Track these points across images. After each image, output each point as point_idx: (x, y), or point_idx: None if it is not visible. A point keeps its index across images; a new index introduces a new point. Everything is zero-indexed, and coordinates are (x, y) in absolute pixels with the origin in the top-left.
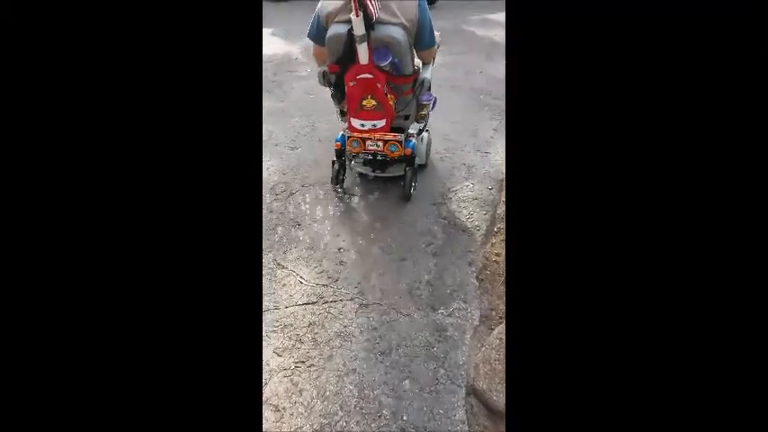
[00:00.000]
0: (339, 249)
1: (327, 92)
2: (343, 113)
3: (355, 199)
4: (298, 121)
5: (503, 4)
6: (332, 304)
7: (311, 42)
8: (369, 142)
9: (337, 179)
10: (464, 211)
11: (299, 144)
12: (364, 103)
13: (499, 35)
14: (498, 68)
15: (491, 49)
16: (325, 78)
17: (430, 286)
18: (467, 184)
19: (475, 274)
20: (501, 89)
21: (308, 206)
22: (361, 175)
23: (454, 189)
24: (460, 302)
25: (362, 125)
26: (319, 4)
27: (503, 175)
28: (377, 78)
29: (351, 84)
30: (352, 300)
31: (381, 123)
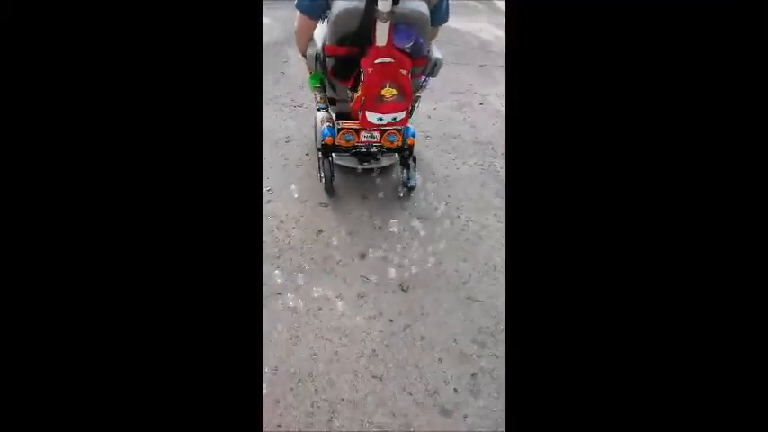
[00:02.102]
0: None
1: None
2: (332, 102)
3: None
4: None
5: None
6: None
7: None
8: (363, 133)
9: (330, 182)
10: None
11: None
12: (383, 93)
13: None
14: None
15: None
16: (318, 63)
17: None
18: None
19: None
20: None
21: None
22: (342, 168)
23: None
24: None
25: (381, 119)
26: None
27: None
28: (400, 63)
29: (369, 71)
30: None
31: (402, 115)
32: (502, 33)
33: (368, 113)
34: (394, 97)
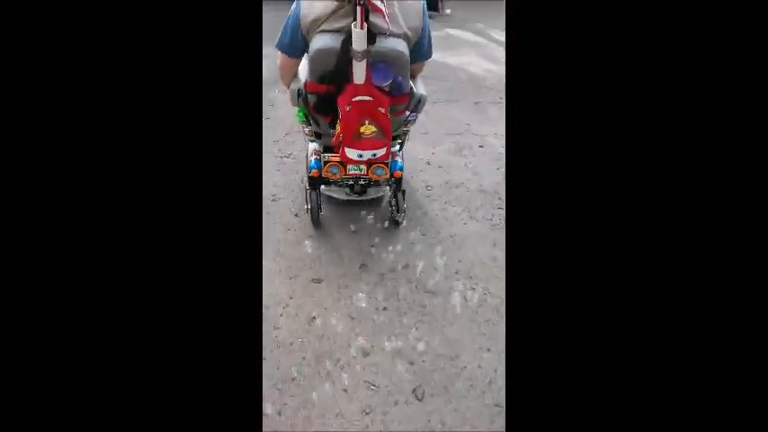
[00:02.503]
0: None
1: None
2: (318, 136)
3: None
4: None
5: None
6: None
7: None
8: (350, 166)
9: (318, 215)
10: None
11: None
12: (362, 130)
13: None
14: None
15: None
16: (300, 99)
17: None
18: None
19: None
20: None
21: None
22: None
23: None
24: None
25: (360, 156)
26: (297, 7)
27: None
28: (378, 101)
29: (347, 108)
30: None
31: (383, 152)
32: (492, 66)
33: (347, 150)
34: (373, 134)
